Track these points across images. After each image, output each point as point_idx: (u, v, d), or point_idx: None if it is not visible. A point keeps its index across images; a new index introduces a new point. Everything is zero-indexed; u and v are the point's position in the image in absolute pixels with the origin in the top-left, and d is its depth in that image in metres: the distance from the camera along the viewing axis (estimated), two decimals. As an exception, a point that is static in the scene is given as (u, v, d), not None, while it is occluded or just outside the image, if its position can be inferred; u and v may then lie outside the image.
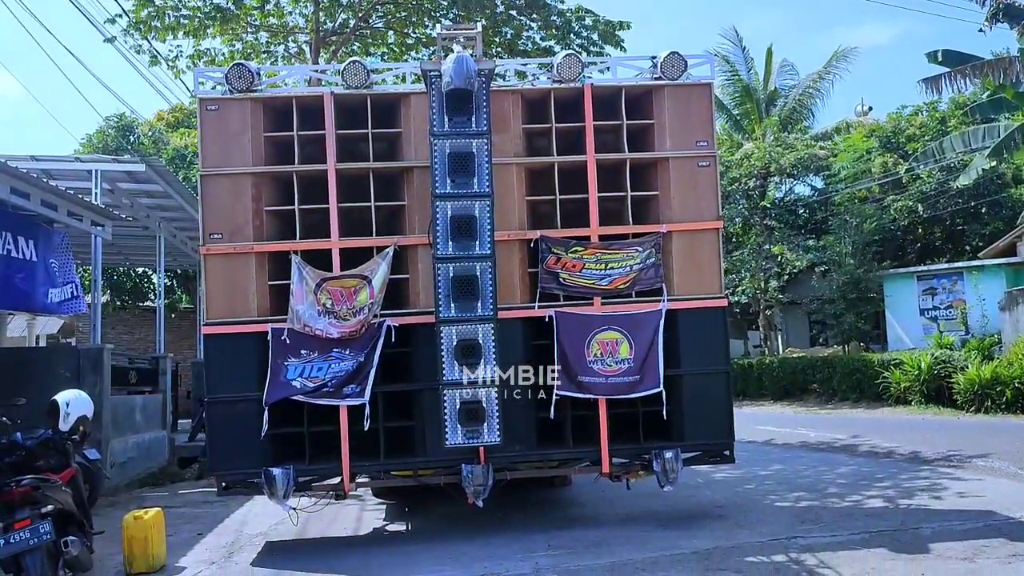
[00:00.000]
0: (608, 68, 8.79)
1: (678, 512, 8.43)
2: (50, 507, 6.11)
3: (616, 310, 7.86)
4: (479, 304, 7.11)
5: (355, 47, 16.23)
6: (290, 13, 15.71)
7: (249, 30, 15.13)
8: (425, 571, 6.67)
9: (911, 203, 26.45)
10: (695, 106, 8.12)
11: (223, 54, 14.67)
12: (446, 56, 7.32)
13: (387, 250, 7.69)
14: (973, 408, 18.64)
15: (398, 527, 8.67)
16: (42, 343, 23.15)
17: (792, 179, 30.40)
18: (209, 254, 7.66)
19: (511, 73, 8.76)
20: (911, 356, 21.05)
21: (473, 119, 7.14)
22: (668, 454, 7.63)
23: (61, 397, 6.95)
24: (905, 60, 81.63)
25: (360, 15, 15.72)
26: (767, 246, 27.64)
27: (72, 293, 10.53)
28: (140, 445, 13.25)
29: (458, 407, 7.08)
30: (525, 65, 8.57)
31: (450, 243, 7.12)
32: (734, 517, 8.12)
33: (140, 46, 14.19)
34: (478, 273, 7.12)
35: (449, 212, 7.12)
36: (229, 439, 7.59)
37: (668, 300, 7.86)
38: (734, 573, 6.27)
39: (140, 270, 25.05)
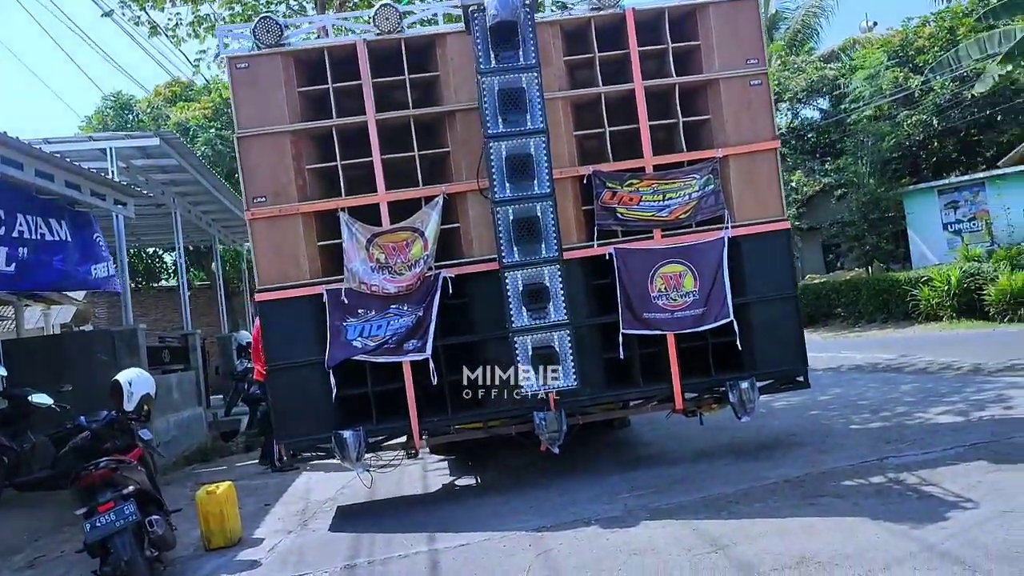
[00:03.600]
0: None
1: (753, 443, 8.26)
2: (131, 488, 5.96)
3: (678, 242, 7.60)
4: (543, 246, 6.84)
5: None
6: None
7: (248, -11, 14.64)
8: (512, 522, 6.48)
9: (925, 117, 25.95)
10: (743, 22, 7.76)
11: (223, 18, 14.21)
12: (484, -10, 6.95)
13: (436, 199, 7.42)
14: (1007, 319, 18.48)
15: (467, 481, 8.51)
16: (57, 332, 22.94)
17: (799, 103, 29.90)
18: (255, 218, 7.38)
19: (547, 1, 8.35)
20: (940, 271, 20.82)
21: (521, 52, 6.80)
22: (744, 384, 7.43)
23: (123, 376, 6.75)
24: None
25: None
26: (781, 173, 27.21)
27: (111, 270, 10.28)
28: (180, 423, 13.12)
29: (530, 353, 6.86)
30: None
31: (507, 185, 6.82)
32: (813, 444, 7.95)
33: (139, 17, 13.73)
34: (539, 213, 6.83)
35: (504, 152, 6.81)
36: (294, 406, 7.39)
37: (731, 227, 7.61)
38: (834, 498, 6.10)
39: (151, 250, 24.74)
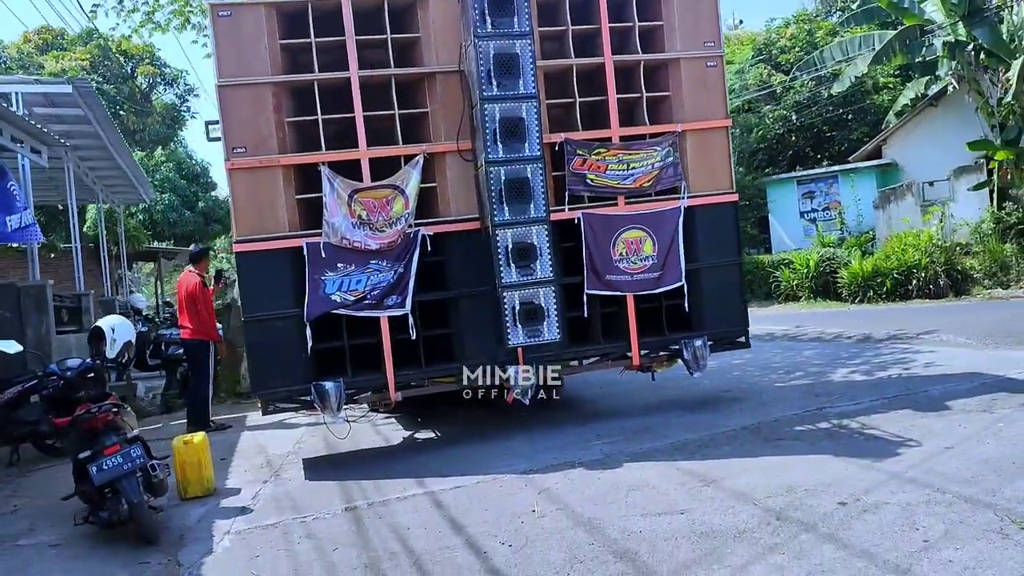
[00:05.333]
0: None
1: (696, 399, 8.94)
2: (136, 431, 5.89)
3: (639, 208, 8.13)
4: (532, 206, 7.19)
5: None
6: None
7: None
8: (497, 467, 6.81)
9: (785, 112, 27.94)
10: (702, 6, 8.34)
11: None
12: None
13: (417, 158, 7.60)
14: (857, 299, 20.38)
15: (427, 435, 8.73)
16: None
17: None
18: (234, 168, 7.31)
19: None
20: (800, 255, 22.65)
21: (516, 19, 7.08)
22: (698, 342, 8.08)
23: (105, 323, 6.60)
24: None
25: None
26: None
27: (27, 220, 9.70)
28: (78, 387, 12.52)
29: (517, 308, 7.20)
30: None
31: (499, 146, 7.11)
32: (751, 399, 8.71)
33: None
34: (529, 175, 7.17)
35: (497, 115, 7.09)
36: (269, 359, 7.41)
37: (687, 197, 8.21)
38: (793, 441, 6.82)
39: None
